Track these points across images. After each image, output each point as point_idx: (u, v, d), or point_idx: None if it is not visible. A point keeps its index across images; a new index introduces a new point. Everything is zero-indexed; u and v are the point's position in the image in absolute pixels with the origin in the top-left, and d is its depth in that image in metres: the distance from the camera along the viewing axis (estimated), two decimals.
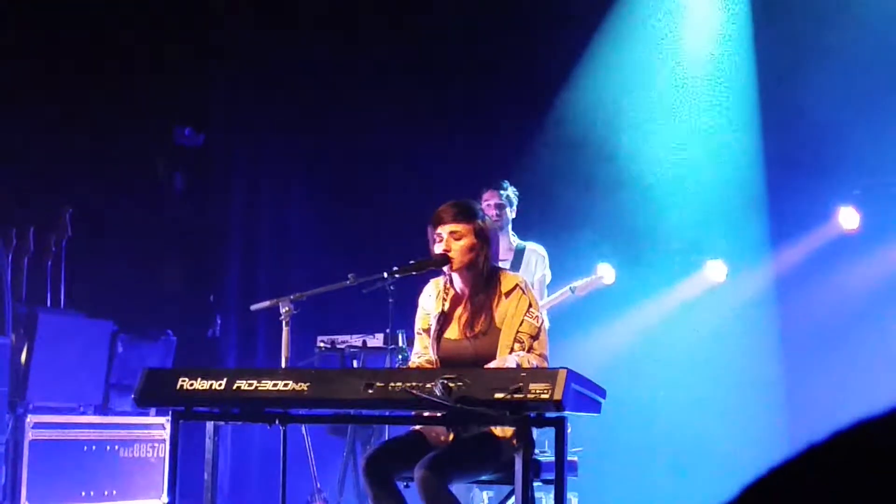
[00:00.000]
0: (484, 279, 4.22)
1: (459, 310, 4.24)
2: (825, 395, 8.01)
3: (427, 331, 4.27)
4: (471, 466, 4.03)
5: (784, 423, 8.22)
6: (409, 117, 8.53)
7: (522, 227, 6.77)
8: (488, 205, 6.38)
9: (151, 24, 8.50)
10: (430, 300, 4.31)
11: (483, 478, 4.20)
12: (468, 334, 4.18)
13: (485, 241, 4.21)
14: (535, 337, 4.11)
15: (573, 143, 8.41)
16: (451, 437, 4.06)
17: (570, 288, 6.55)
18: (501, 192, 6.47)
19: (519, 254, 6.50)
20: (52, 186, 7.72)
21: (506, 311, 4.14)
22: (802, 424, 8.12)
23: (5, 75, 7.62)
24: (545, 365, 4.03)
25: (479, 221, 4.23)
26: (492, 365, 3.97)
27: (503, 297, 4.18)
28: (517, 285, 4.21)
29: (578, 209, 8.37)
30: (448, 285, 4.29)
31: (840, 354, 8.06)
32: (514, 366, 3.89)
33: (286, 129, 9.10)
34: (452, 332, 4.22)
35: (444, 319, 4.24)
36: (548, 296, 6.57)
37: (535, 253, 6.56)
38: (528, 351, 4.06)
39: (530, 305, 4.16)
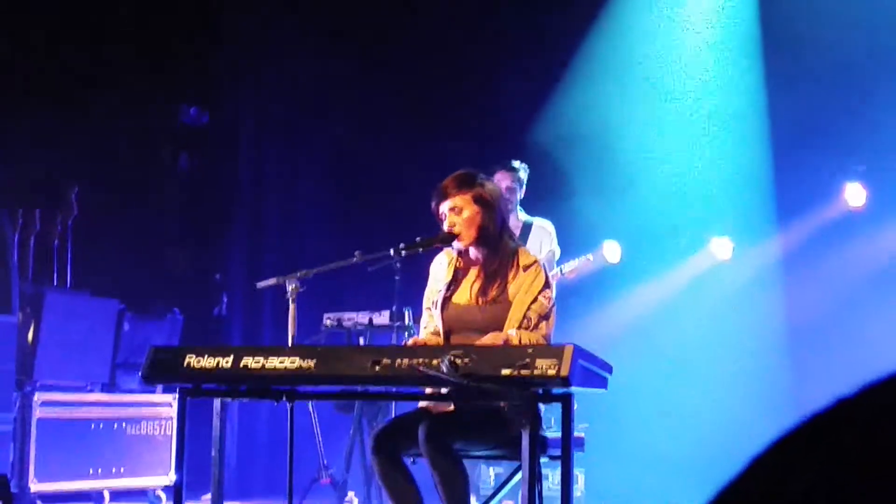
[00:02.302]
0: (497, 242, 4.18)
1: (472, 276, 4.21)
2: (831, 372, 8.01)
3: (434, 305, 4.25)
4: (475, 432, 4.01)
5: (790, 398, 8.23)
6: (417, 93, 8.51)
7: (529, 203, 6.76)
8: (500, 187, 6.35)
9: (156, 2, 8.49)
10: (442, 268, 4.28)
11: (489, 452, 4.20)
12: (480, 301, 4.15)
13: (488, 206, 4.15)
14: (544, 317, 4.09)
15: (580, 118, 8.39)
16: (452, 409, 4.06)
17: (560, 269, 6.52)
18: (513, 173, 6.42)
19: (526, 229, 6.49)
20: (58, 166, 7.72)
21: (521, 285, 4.11)
22: (808, 399, 8.11)
23: (9, 57, 7.61)
24: (544, 344, 4.01)
25: (478, 188, 4.16)
26: (486, 339, 3.95)
27: (521, 269, 4.14)
28: (536, 261, 4.19)
29: (584, 186, 8.36)
30: (461, 255, 4.26)
31: (846, 331, 8.06)
32: (515, 341, 3.89)
33: (292, 107, 9.09)
34: (462, 297, 4.19)
35: (454, 285, 4.22)
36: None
37: (543, 229, 6.55)
38: (534, 329, 4.05)
39: (546, 285, 4.13)
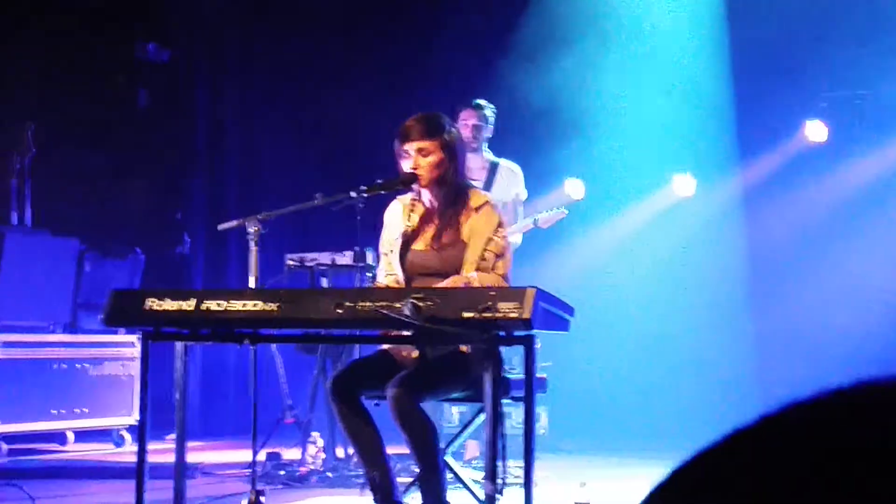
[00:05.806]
0: (453, 193, 4.19)
1: (427, 222, 4.22)
2: (791, 307, 8.11)
3: (392, 252, 4.25)
4: (442, 384, 4.05)
5: (751, 334, 8.32)
6: (379, 30, 8.43)
7: (493, 145, 6.73)
8: (465, 124, 6.33)
9: None
10: (395, 217, 4.29)
11: (453, 395, 4.22)
12: (434, 246, 4.17)
13: (453, 154, 4.17)
14: (499, 256, 4.11)
15: (541, 58, 8.34)
16: (416, 354, 4.07)
17: (534, 220, 6.52)
18: (478, 111, 6.41)
19: (493, 170, 6.47)
20: (13, 103, 7.60)
21: (474, 226, 4.12)
22: (769, 336, 8.23)
23: None
24: (504, 285, 4.02)
25: (446, 135, 4.17)
26: (447, 283, 3.95)
27: (473, 211, 4.16)
28: (487, 202, 4.20)
29: (547, 125, 8.33)
30: (416, 200, 4.26)
31: (806, 266, 8.15)
32: (476, 284, 3.89)
33: (254, 44, 8.97)
34: (419, 243, 4.21)
35: (411, 233, 4.23)
36: (523, 214, 6.56)
37: (510, 170, 6.53)
38: (492, 269, 4.06)
39: (499, 224, 4.15)
